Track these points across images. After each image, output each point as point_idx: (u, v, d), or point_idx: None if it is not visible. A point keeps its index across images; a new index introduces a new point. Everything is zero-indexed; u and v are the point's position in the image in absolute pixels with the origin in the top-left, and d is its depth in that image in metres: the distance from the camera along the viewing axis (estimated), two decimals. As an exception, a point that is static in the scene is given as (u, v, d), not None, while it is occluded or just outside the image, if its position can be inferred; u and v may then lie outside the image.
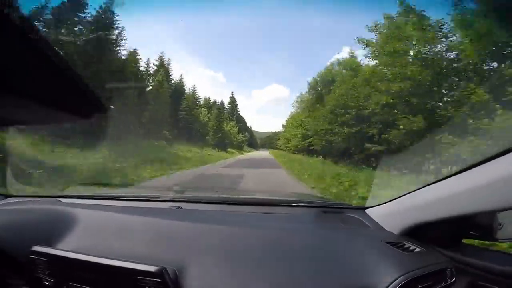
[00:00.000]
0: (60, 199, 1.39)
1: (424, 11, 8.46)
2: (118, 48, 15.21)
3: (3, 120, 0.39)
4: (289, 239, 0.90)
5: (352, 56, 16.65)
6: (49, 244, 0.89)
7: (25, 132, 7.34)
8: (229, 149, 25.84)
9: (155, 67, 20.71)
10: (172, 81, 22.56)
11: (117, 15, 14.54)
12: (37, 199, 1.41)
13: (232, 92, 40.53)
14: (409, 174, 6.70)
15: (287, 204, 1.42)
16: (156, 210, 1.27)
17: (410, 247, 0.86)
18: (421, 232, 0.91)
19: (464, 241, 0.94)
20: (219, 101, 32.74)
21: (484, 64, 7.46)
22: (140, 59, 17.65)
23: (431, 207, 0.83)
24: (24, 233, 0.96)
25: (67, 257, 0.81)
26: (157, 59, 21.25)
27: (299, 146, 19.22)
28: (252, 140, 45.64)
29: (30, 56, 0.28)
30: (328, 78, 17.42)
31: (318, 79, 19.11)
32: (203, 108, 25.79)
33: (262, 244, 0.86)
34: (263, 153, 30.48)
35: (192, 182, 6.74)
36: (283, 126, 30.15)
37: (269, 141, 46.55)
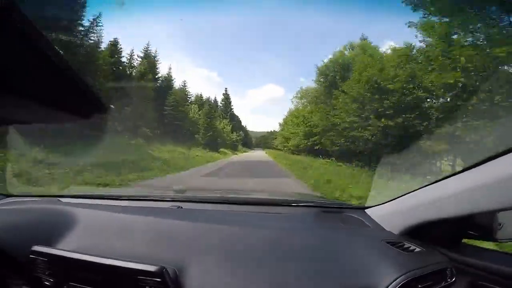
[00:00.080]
0: (60, 198, 1.39)
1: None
2: (89, 36, 14.08)
3: (3, 120, 0.39)
4: (289, 239, 0.90)
5: (364, 39, 13.75)
6: (49, 244, 0.89)
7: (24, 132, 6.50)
8: (221, 149, 23.90)
9: (140, 60, 19.30)
10: (159, 74, 20.97)
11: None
12: (37, 198, 1.42)
13: (226, 88, 37.94)
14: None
15: (287, 204, 1.41)
16: (156, 209, 1.27)
17: (410, 247, 0.87)
18: (421, 232, 0.92)
19: (464, 241, 0.94)
20: (213, 98, 31.04)
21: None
22: (121, 49, 16.67)
23: (431, 207, 0.84)
24: (24, 233, 0.95)
25: (67, 257, 0.81)
26: (142, 50, 19.73)
27: (300, 146, 16.37)
28: (247, 140, 44.56)
29: (30, 56, 0.28)
30: (343, 63, 14.36)
31: (329, 64, 15.90)
32: (193, 105, 23.83)
33: (262, 244, 0.87)
34: (259, 154, 27.84)
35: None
36: (280, 124, 28.49)
37: (264, 140, 45.97)
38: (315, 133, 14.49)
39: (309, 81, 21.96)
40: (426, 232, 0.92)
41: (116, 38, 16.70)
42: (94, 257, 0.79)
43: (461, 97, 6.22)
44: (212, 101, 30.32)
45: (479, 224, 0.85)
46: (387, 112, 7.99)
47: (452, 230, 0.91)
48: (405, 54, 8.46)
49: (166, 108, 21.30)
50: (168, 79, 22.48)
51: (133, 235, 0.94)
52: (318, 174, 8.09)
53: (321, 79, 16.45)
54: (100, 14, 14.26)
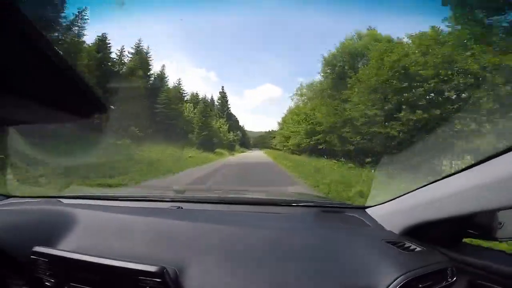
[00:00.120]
0: (61, 199, 1.40)
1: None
2: (74, 29, 13.84)
3: (3, 120, 0.39)
4: (289, 238, 0.91)
5: (372, 29, 12.44)
6: (49, 245, 0.89)
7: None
8: (217, 150, 22.88)
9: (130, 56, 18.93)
10: (151, 72, 20.34)
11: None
12: (38, 199, 1.43)
13: (223, 87, 36.18)
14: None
15: (287, 203, 1.42)
16: (156, 210, 1.28)
17: (410, 246, 0.88)
18: (421, 232, 0.92)
19: (465, 240, 0.95)
20: (209, 97, 30.29)
21: None
22: (110, 45, 16.19)
23: (432, 206, 0.84)
24: (24, 234, 0.96)
25: (68, 258, 0.82)
26: (133, 47, 19.14)
27: (302, 145, 14.94)
28: (245, 140, 44.00)
29: (30, 56, 0.28)
30: (352, 51, 12.95)
31: (337, 53, 14.39)
32: (188, 104, 23.01)
33: (262, 244, 0.87)
34: (257, 154, 26.52)
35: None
36: (279, 123, 27.59)
37: (262, 140, 45.26)
38: (318, 131, 13.24)
39: (308, 81, 20.87)
40: (426, 232, 0.92)
41: (104, 33, 16.13)
42: (95, 258, 0.79)
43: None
44: (209, 100, 29.56)
45: (479, 223, 0.85)
46: (419, 103, 6.60)
47: (453, 229, 0.92)
48: (432, 38, 7.21)
49: (158, 106, 20.06)
50: (161, 77, 21.76)
51: (133, 236, 0.94)
52: (336, 181, 6.31)
53: (328, 70, 14.78)
54: (85, 8, 13.93)
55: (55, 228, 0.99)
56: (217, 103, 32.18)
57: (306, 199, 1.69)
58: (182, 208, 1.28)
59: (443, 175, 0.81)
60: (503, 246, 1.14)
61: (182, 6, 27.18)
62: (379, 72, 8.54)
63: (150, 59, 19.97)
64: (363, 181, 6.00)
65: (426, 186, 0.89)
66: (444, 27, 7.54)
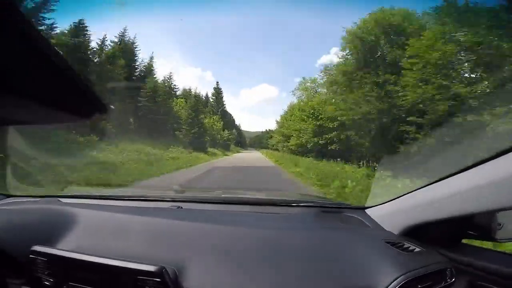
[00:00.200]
0: (60, 199, 1.39)
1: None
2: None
3: (3, 120, 0.39)
4: (288, 239, 0.91)
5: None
6: (49, 244, 0.89)
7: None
8: (210, 149, 20.58)
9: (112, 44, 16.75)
10: (137, 63, 18.30)
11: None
12: (37, 199, 1.42)
13: (217, 82, 33.26)
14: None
15: (286, 204, 1.42)
16: (156, 209, 1.28)
17: (410, 247, 0.89)
18: (421, 232, 0.94)
19: (464, 241, 0.97)
20: (204, 94, 27.96)
21: None
22: (87, 32, 14.34)
23: (431, 207, 0.85)
24: (24, 233, 0.96)
25: (67, 257, 0.82)
26: (117, 35, 17.11)
27: (308, 145, 12.22)
28: (241, 139, 42.57)
29: (30, 56, 0.29)
30: (388, 23, 10.00)
31: (364, 26, 10.92)
32: (180, 99, 20.46)
33: (261, 244, 0.88)
34: (255, 155, 23.99)
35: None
36: (278, 122, 25.43)
37: (258, 140, 43.92)
38: (331, 128, 10.57)
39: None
40: (426, 232, 0.93)
41: (81, 19, 14.28)
42: (94, 257, 0.80)
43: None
44: (203, 98, 27.51)
45: (478, 224, 0.86)
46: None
47: (452, 230, 0.93)
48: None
49: (141, 99, 17.19)
50: (149, 69, 19.42)
51: (132, 235, 0.94)
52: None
53: (357, 44, 10.98)
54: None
55: (55, 227, 0.99)
56: (212, 100, 29.69)
57: (306, 199, 1.72)
58: (182, 208, 1.29)
59: (443, 175, 0.81)
60: (502, 247, 1.17)
61: (178, 5, 26.77)
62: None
63: (136, 49, 18.03)
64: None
65: (426, 187, 0.90)
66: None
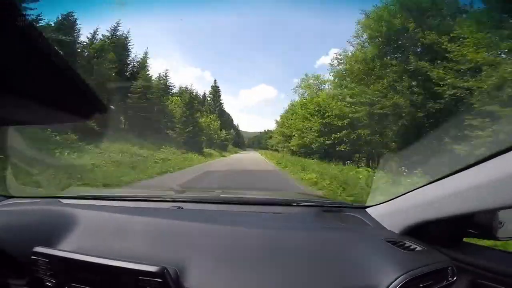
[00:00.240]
0: (61, 199, 1.39)
1: None
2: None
3: (3, 120, 0.39)
4: (289, 238, 0.91)
5: None
6: (50, 245, 0.89)
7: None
8: (206, 150, 19.40)
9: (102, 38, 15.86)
10: (130, 58, 17.33)
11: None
12: (38, 200, 1.43)
13: (215, 80, 31.83)
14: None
15: (287, 203, 1.41)
16: (156, 210, 1.28)
17: (411, 246, 0.89)
18: (422, 231, 0.93)
19: (465, 239, 0.97)
20: (201, 94, 26.86)
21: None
22: (75, 24, 13.71)
23: (432, 205, 0.85)
24: (25, 234, 0.96)
25: (68, 258, 0.82)
26: (109, 29, 16.25)
27: (312, 146, 11.02)
28: (239, 140, 40.27)
29: (30, 56, 0.29)
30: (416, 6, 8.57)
31: (385, 10, 9.19)
32: (175, 97, 19.15)
33: (262, 244, 0.88)
34: (253, 156, 22.71)
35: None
36: (277, 122, 24.45)
37: (257, 141, 43.53)
38: (341, 127, 9.34)
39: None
40: (427, 231, 0.93)
41: (71, 11, 13.73)
42: (95, 258, 0.80)
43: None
44: (200, 97, 26.47)
45: (479, 222, 0.86)
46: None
47: (453, 229, 0.93)
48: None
49: (132, 96, 15.94)
50: (142, 64, 18.19)
51: (133, 236, 0.95)
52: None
53: (379, 28, 9.36)
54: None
55: (56, 228, 0.99)
56: (209, 98, 28.45)
57: (306, 199, 1.70)
58: (182, 208, 1.28)
59: (443, 174, 0.81)
60: (503, 246, 1.16)
61: (178, 5, 27.27)
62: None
63: (130, 44, 17.24)
64: None
65: (426, 186, 0.90)
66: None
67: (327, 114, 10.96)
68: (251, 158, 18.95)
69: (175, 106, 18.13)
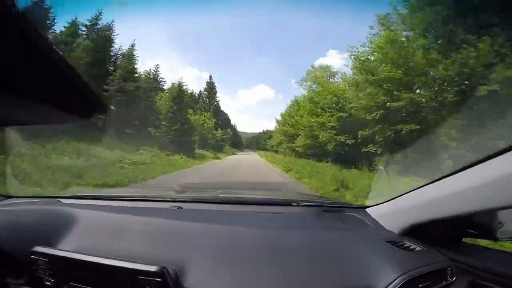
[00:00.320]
0: (61, 199, 1.39)
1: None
2: None
3: (3, 120, 0.39)
4: (289, 238, 0.92)
5: None
6: (49, 245, 0.90)
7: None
8: (199, 151, 16.82)
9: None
10: (113, 49, 15.53)
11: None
12: (37, 199, 1.43)
13: (210, 76, 29.25)
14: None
15: (287, 203, 1.41)
16: (156, 210, 1.29)
17: (410, 246, 0.90)
18: (421, 231, 0.94)
19: (465, 240, 0.98)
20: (196, 92, 25.01)
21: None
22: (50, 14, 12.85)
23: (432, 206, 0.85)
24: (24, 234, 0.97)
25: (68, 257, 0.82)
26: (89, 19, 14.79)
27: (328, 146, 8.63)
28: (237, 140, 39.96)
29: (30, 56, 0.29)
30: None
31: None
32: (165, 93, 16.71)
33: (262, 244, 0.88)
34: (252, 158, 20.20)
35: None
36: (278, 121, 21.98)
37: (255, 141, 41.95)
38: (369, 122, 6.96)
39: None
40: (426, 231, 0.94)
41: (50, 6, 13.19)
42: (95, 258, 0.80)
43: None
44: (196, 95, 24.60)
45: (479, 223, 0.87)
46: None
47: (453, 229, 0.94)
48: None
49: (108, 88, 13.44)
50: (129, 57, 16.00)
51: (133, 235, 0.95)
52: None
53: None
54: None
55: (55, 228, 1.00)
56: (204, 95, 26.00)
57: (306, 198, 1.70)
58: (182, 208, 1.29)
59: (443, 174, 0.82)
60: (503, 246, 1.15)
61: (177, 5, 26.63)
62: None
63: (113, 34, 15.51)
64: None
65: (426, 186, 0.90)
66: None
67: (348, 106, 8.67)
68: (250, 161, 16.16)
69: (163, 102, 15.86)
